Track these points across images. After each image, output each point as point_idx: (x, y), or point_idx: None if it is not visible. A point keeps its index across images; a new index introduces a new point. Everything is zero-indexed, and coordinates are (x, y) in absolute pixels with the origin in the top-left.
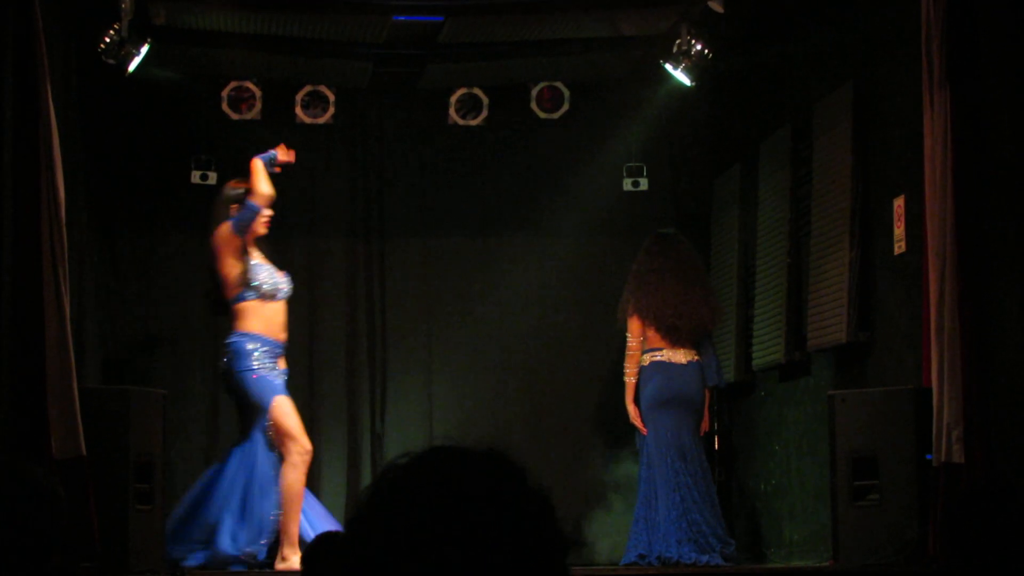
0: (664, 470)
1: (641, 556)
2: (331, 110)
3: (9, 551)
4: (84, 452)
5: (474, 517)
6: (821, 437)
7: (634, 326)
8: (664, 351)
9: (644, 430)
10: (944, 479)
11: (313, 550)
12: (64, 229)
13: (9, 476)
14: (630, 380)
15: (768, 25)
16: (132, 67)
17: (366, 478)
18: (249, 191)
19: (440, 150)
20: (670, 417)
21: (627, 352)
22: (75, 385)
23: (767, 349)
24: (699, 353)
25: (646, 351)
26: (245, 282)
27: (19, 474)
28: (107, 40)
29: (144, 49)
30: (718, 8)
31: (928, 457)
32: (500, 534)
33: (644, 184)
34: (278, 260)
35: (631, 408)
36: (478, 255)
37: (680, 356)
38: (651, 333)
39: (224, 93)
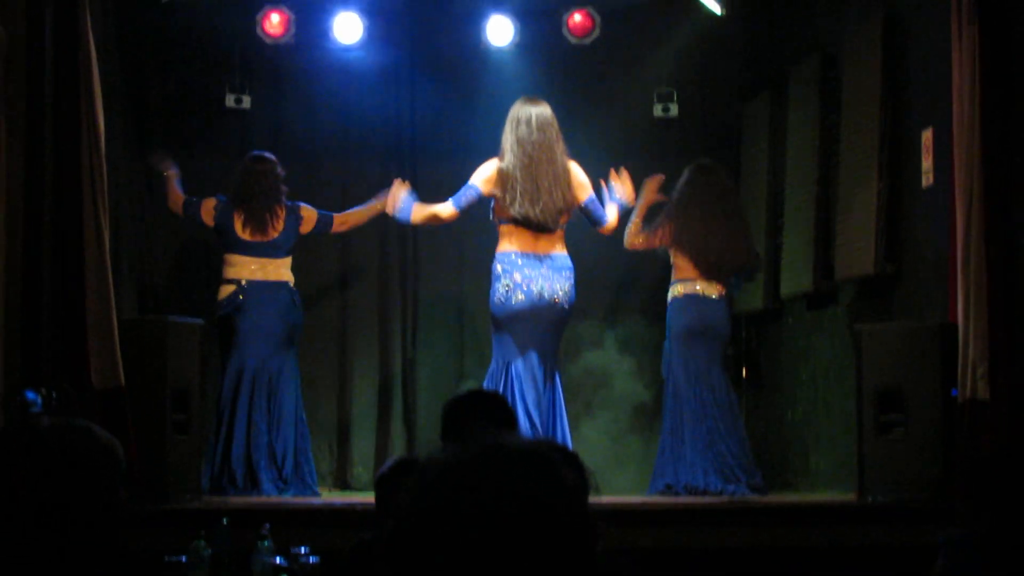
0: (691, 402)
1: (668, 486)
2: (364, 34)
3: (85, 496)
4: (123, 382)
5: (511, 523)
6: (848, 367)
7: (660, 244)
8: (698, 283)
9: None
10: (969, 416)
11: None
12: (104, 161)
13: (79, 435)
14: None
15: None
16: None
17: (397, 404)
18: None
19: (471, 74)
20: (701, 349)
21: (635, 238)
22: (114, 317)
23: (795, 277)
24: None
25: (678, 280)
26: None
27: (86, 433)
28: None
29: None
30: None
31: (954, 393)
32: (533, 539)
33: (674, 110)
34: (310, 185)
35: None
36: None
37: (713, 290)
38: (684, 262)
39: (258, 16)
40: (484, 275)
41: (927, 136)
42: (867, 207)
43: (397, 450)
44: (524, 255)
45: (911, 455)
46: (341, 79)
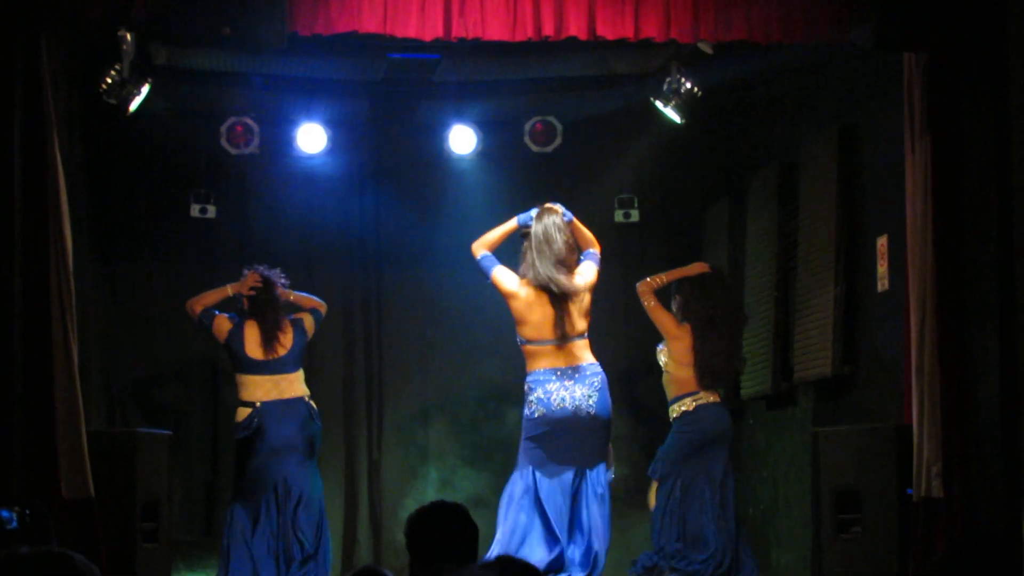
0: (700, 503)
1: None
2: (328, 144)
3: None
4: (93, 493)
5: None
6: (807, 465)
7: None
8: (701, 394)
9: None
10: (924, 514)
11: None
12: (71, 277)
13: (58, 564)
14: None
15: (756, 66)
16: (133, 106)
17: (363, 506)
18: None
19: (435, 182)
20: (714, 455)
21: (648, 292)
22: (83, 429)
23: (755, 379)
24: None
25: (685, 395)
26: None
27: (64, 561)
28: (108, 80)
29: (145, 89)
30: (707, 49)
31: (909, 492)
32: None
33: (635, 215)
34: None
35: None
36: (473, 285)
37: (716, 397)
38: (688, 376)
39: (222, 128)
40: (448, 381)
41: (882, 242)
42: (825, 311)
43: (363, 550)
44: (550, 371)
45: (868, 553)
46: (305, 188)
